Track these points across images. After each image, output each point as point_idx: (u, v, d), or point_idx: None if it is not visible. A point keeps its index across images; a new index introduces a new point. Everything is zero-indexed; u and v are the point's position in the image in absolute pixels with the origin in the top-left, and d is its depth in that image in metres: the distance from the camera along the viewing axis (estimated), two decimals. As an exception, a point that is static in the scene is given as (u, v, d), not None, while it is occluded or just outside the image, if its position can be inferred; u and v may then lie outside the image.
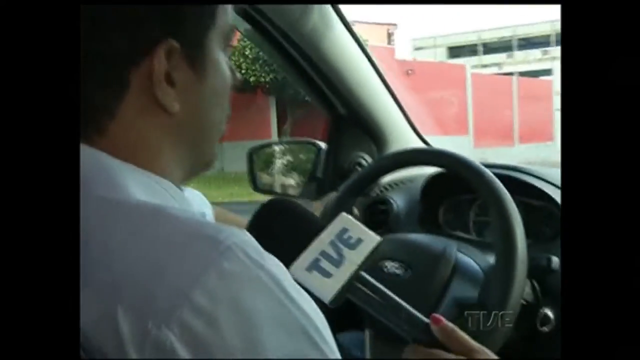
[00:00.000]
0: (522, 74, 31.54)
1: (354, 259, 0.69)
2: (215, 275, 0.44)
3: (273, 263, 0.48)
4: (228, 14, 0.60)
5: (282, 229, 0.75)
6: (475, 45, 31.74)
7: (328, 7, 1.20)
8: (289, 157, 1.56)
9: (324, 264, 0.68)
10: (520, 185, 1.10)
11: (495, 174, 0.97)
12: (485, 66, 31.12)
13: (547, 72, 31.01)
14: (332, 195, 1.16)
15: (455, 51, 31.52)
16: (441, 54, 30.28)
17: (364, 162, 1.42)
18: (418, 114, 1.55)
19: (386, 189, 1.39)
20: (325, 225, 0.73)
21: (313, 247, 0.69)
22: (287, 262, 0.67)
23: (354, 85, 1.33)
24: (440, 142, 1.40)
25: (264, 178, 1.55)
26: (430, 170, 1.27)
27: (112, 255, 0.46)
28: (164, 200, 0.54)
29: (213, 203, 1.12)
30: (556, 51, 31.16)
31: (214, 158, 0.64)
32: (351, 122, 1.40)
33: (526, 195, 1.11)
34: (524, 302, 0.94)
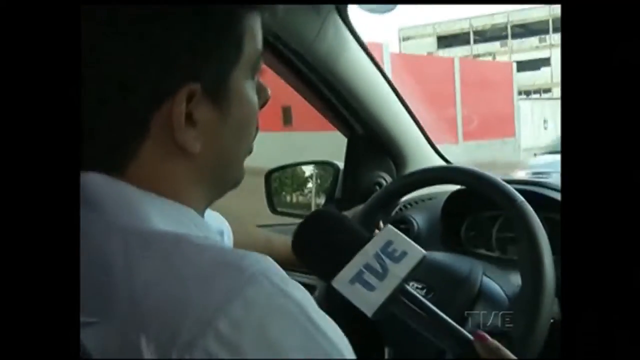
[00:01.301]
0: (519, 64, 30.19)
1: (398, 272, 0.69)
2: (240, 304, 0.44)
3: (297, 290, 0.48)
4: (257, 41, 0.58)
5: (328, 240, 0.74)
6: (467, 33, 30.60)
7: (343, 28, 1.20)
8: (307, 178, 1.55)
9: (368, 276, 0.68)
10: (544, 201, 1.09)
11: (516, 189, 0.96)
12: (477, 56, 29.72)
13: (546, 61, 29.94)
14: (357, 210, 1.15)
15: (446, 41, 30.39)
16: (431, 44, 29.01)
17: (383, 181, 1.42)
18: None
19: (405, 207, 1.38)
20: (370, 236, 0.72)
21: (357, 260, 0.69)
22: (332, 273, 0.68)
23: (372, 105, 1.33)
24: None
25: (282, 200, 1.55)
26: (449, 187, 1.26)
27: (135, 285, 0.46)
28: (186, 228, 0.54)
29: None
30: (554, 38, 29.94)
31: (242, 177, 0.63)
32: (369, 142, 1.40)
33: (548, 210, 1.09)
34: (552, 321, 0.92)
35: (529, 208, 0.90)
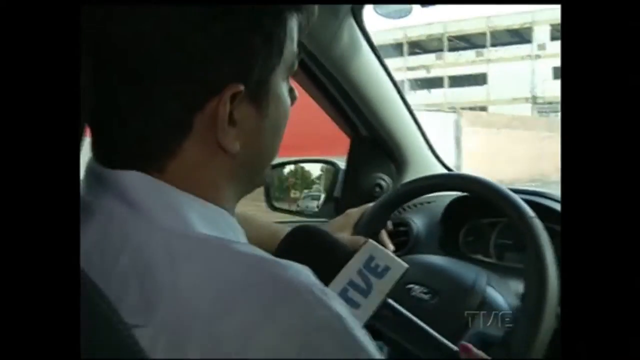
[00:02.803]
0: (454, 79, 28.46)
1: (382, 288, 0.69)
2: (284, 314, 0.45)
3: (336, 301, 0.49)
4: (294, 44, 0.59)
5: (310, 256, 0.74)
6: (401, 44, 28.93)
7: (357, 31, 1.22)
8: (306, 176, 1.57)
9: (352, 294, 0.68)
10: (545, 211, 1.12)
11: (521, 199, 0.98)
12: (411, 69, 28.56)
13: (482, 77, 28.33)
14: (365, 207, 1.16)
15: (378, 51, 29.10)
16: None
17: (383, 183, 1.44)
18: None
19: (405, 210, 1.41)
20: (352, 252, 0.72)
21: (341, 277, 0.69)
22: None
23: (378, 108, 1.35)
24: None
25: (281, 197, 1.57)
26: (449, 192, 1.28)
27: (180, 289, 0.47)
28: (222, 231, 0.54)
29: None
30: (491, 53, 28.55)
31: (265, 179, 0.64)
32: (372, 143, 1.42)
33: (550, 220, 1.13)
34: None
35: (539, 224, 0.93)
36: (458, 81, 28.85)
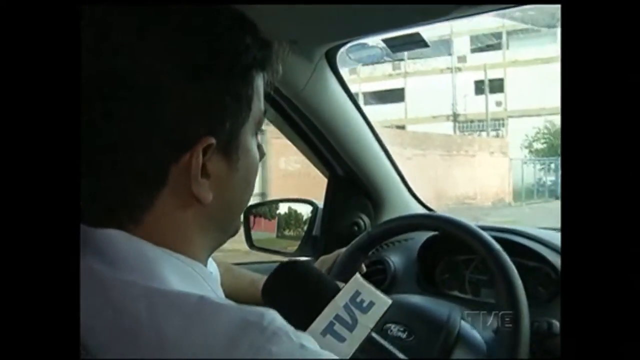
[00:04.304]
0: (370, 95, 25.69)
1: (367, 322, 0.70)
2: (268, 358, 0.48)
3: (308, 341, 0.52)
4: (261, 101, 0.63)
5: (299, 291, 0.76)
6: None
7: (331, 75, 1.26)
8: (299, 217, 1.59)
9: (338, 328, 0.70)
10: (515, 247, 1.15)
11: (491, 236, 1.02)
12: None
13: (399, 92, 26.06)
14: (337, 253, 1.19)
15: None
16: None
17: (361, 222, 1.47)
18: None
19: (382, 247, 1.43)
20: (339, 287, 0.74)
21: (327, 311, 0.71)
22: (302, 325, 0.68)
23: (353, 149, 1.39)
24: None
25: (260, 236, 1.58)
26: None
27: (164, 344, 0.49)
28: (198, 283, 0.57)
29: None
30: (409, 65, 26.40)
31: (239, 228, 0.67)
32: (349, 183, 1.45)
33: (521, 256, 1.15)
34: None
35: (505, 257, 0.97)
36: (373, 97, 26.12)
